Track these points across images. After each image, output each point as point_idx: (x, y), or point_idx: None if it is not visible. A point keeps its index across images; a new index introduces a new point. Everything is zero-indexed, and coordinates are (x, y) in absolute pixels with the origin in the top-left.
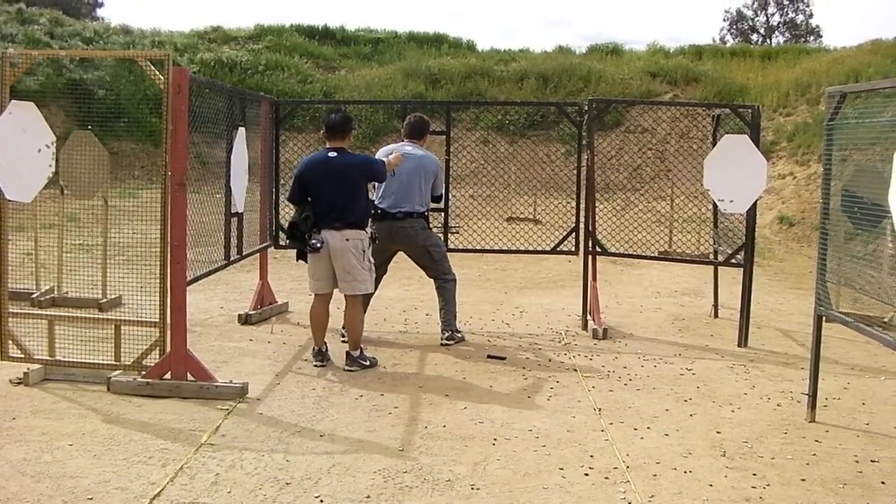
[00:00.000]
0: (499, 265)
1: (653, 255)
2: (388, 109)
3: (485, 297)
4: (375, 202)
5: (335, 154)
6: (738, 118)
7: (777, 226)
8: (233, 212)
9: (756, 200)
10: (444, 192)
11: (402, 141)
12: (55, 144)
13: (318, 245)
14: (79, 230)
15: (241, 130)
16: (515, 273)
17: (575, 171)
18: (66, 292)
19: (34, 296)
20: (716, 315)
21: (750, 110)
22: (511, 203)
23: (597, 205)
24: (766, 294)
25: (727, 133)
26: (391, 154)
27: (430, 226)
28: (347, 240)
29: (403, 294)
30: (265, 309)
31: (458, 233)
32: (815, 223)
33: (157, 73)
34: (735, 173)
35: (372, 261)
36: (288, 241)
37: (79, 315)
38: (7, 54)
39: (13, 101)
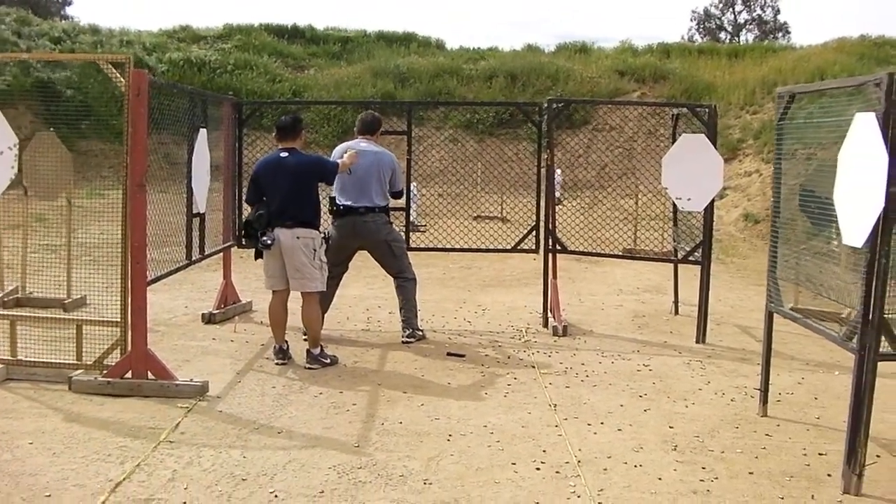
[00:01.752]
0: (464, 263)
1: (613, 252)
2: (358, 109)
3: (448, 295)
4: (336, 199)
5: (287, 154)
6: (705, 117)
7: (742, 223)
8: (194, 212)
9: (713, 198)
10: (403, 189)
11: (357, 138)
12: (17, 146)
13: (269, 242)
14: (46, 230)
15: (203, 132)
16: (480, 271)
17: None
18: (31, 293)
19: None
20: (676, 312)
21: (707, 110)
22: (479, 201)
23: (564, 203)
24: (728, 291)
25: (689, 131)
26: (346, 153)
27: (392, 222)
28: (298, 238)
29: (367, 293)
30: (229, 308)
31: (424, 231)
32: (784, 219)
33: (119, 75)
34: (692, 172)
35: (323, 259)
36: (244, 240)
37: (40, 315)
38: None
39: None
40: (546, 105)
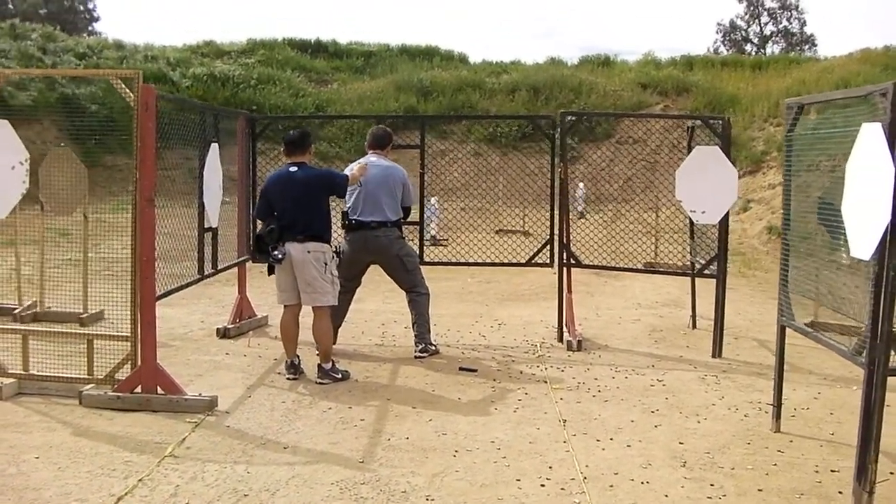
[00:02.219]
0: (483, 278)
1: (630, 266)
2: (391, 124)
3: (466, 309)
4: (349, 214)
5: (296, 169)
6: (718, 129)
7: (766, 236)
8: (207, 227)
9: (728, 211)
10: (412, 205)
11: (368, 153)
12: (28, 161)
13: (280, 257)
14: (70, 245)
15: (214, 146)
16: (499, 285)
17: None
18: (50, 307)
19: (16, 311)
20: (694, 326)
21: (720, 122)
22: (501, 215)
23: (587, 216)
24: (749, 305)
25: (708, 143)
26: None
27: (404, 237)
28: (309, 252)
29: (384, 308)
30: (244, 323)
31: (446, 245)
32: (802, 233)
33: (128, 90)
34: (706, 184)
35: (335, 273)
36: (256, 255)
37: (51, 329)
38: None
39: None
40: (559, 118)
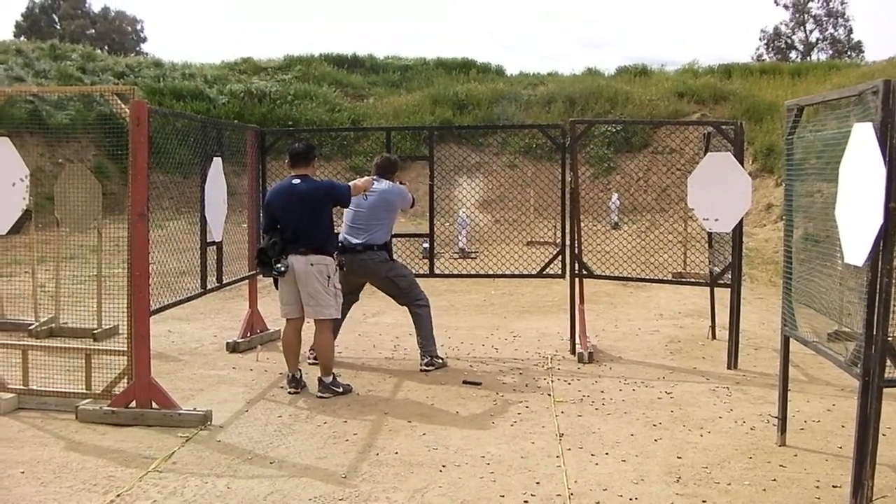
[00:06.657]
0: (507, 290)
1: (652, 277)
2: (416, 135)
3: (483, 322)
4: (340, 235)
5: (299, 181)
6: (731, 135)
7: (801, 244)
8: (209, 241)
9: (742, 219)
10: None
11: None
12: (29, 178)
13: (283, 269)
14: (107, 261)
15: (217, 160)
16: (522, 297)
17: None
18: (66, 322)
19: (32, 327)
20: (713, 336)
21: (733, 127)
22: (535, 227)
23: (623, 227)
24: (774, 314)
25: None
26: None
27: (393, 259)
28: (312, 264)
29: (402, 320)
30: (254, 337)
31: (475, 258)
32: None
33: (122, 106)
34: (719, 191)
35: (338, 286)
36: (259, 269)
37: (51, 345)
38: None
39: None
40: (569, 126)
